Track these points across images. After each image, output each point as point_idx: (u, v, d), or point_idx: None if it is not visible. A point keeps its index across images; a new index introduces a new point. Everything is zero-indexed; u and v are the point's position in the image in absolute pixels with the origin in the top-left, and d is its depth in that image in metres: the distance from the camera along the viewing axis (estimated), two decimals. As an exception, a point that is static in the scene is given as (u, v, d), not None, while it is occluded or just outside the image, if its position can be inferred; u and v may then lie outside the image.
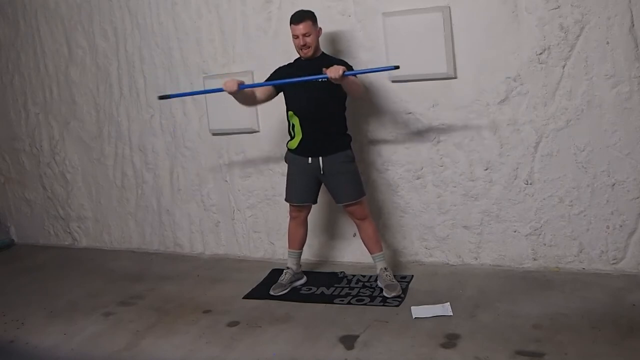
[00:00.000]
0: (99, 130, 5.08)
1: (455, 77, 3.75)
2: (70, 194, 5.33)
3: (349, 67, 3.51)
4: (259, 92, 3.63)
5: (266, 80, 3.69)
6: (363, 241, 3.76)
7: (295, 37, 3.53)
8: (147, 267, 4.65)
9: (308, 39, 3.51)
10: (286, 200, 3.82)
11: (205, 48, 4.48)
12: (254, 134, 4.41)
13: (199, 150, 4.67)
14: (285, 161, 3.81)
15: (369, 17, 3.92)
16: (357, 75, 3.53)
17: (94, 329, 3.60)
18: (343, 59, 3.74)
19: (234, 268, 4.43)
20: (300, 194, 3.74)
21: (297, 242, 3.89)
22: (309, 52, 3.55)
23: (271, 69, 3.73)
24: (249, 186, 4.52)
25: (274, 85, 3.63)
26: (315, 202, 3.81)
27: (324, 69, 3.29)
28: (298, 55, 3.64)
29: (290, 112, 3.66)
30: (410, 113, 3.91)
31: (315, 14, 3.60)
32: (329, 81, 3.33)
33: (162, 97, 3.82)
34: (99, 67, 4.96)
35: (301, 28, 3.49)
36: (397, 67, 3.29)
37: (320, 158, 3.61)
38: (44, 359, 3.34)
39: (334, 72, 3.23)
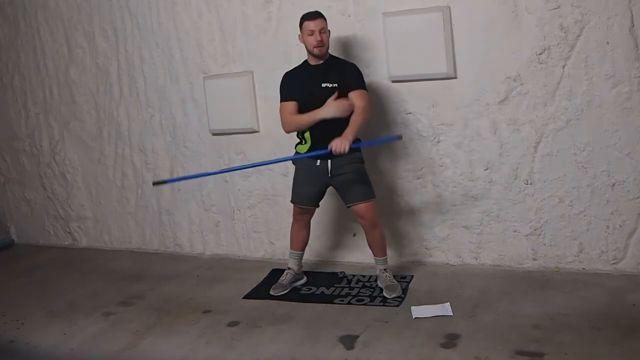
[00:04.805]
0: (99, 130, 5.08)
1: (455, 77, 3.75)
2: (70, 194, 5.33)
3: (358, 72, 3.54)
4: (294, 112, 3.56)
5: (282, 94, 3.59)
6: (369, 244, 3.72)
7: (310, 33, 3.48)
8: (147, 267, 4.65)
9: (324, 35, 3.50)
10: (292, 201, 3.79)
11: (205, 48, 4.48)
12: (254, 134, 4.41)
13: (199, 150, 4.67)
14: (293, 163, 3.79)
15: (369, 17, 3.92)
16: (364, 109, 3.48)
17: (94, 329, 3.60)
18: (343, 59, 3.73)
19: (234, 268, 4.43)
20: (307, 197, 3.71)
21: (300, 243, 3.87)
22: (323, 50, 3.53)
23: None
24: (249, 186, 4.52)
25: (295, 100, 3.55)
26: (318, 206, 3.79)
27: (329, 146, 3.32)
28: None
29: None
30: (410, 113, 3.91)
31: (316, 14, 3.60)
32: (339, 88, 3.42)
33: (156, 184, 4.14)
34: (99, 67, 4.96)
35: (318, 23, 3.48)
36: (400, 137, 3.60)
37: (329, 160, 3.58)
38: (44, 359, 3.34)
39: (339, 146, 3.26)
